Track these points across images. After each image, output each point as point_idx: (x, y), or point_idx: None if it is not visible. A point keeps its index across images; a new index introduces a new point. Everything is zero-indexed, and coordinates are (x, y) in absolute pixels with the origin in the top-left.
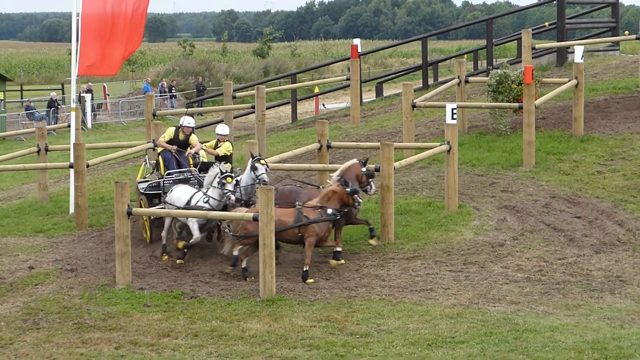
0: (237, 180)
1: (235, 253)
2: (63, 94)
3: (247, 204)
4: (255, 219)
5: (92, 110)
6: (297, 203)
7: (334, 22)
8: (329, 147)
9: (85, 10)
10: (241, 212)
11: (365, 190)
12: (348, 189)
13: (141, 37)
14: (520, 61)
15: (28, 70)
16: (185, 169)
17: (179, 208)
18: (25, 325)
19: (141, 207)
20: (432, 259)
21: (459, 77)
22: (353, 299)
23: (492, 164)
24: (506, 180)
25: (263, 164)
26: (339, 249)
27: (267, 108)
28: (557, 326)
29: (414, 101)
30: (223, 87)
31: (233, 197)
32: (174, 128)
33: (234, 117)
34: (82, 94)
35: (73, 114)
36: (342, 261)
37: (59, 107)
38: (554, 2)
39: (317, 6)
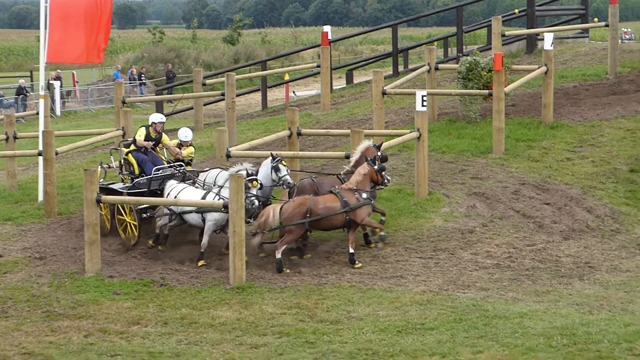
0: (261, 184)
1: (278, 256)
2: (32, 81)
3: (265, 205)
4: (225, 207)
5: (61, 97)
6: (333, 188)
7: (304, 9)
8: (299, 134)
9: None
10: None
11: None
12: (376, 167)
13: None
14: (490, 48)
15: None
16: (177, 164)
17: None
18: None
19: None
20: (402, 245)
21: (429, 64)
22: (323, 286)
23: (461, 151)
24: (476, 167)
25: (285, 165)
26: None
27: (237, 95)
28: (526, 312)
29: (384, 88)
30: (193, 74)
31: (257, 203)
32: (144, 127)
33: (204, 105)
34: (50, 82)
35: (42, 101)
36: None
37: (28, 94)
38: None
39: None
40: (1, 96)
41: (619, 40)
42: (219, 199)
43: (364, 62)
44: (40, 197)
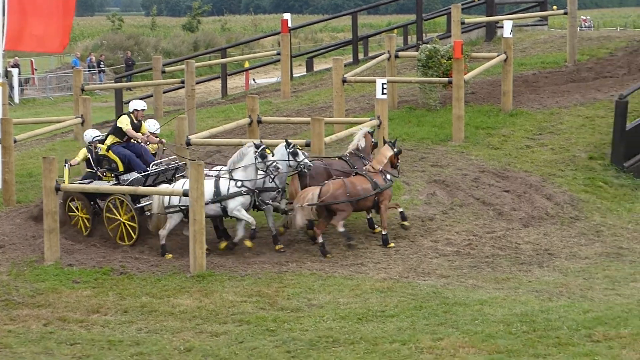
0: (278, 168)
1: (341, 229)
2: None
3: (283, 191)
4: (186, 195)
5: (20, 85)
6: (358, 169)
7: None
8: (259, 122)
9: None
10: (168, 189)
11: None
12: (395, 150)
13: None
14: (450, 36)
15: None
16: (172, 158)
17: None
18: None
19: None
20: (363, 233)
21: (389, 52)
22: (284, 274)
23: (421, 138)
24: (436, 154)
25: (301, 149)
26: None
27: (197, 83)
28: (486, 299)
29: (345, 76)
30: (152, 62)
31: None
32: (126, 115)
33: (164, 92)
34: (8, 69)
35: (0, 89)
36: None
37: None
38: None
39: None
40: None
41: (578, 28)
42: (240, 185)
43: (324, 50)
44: None
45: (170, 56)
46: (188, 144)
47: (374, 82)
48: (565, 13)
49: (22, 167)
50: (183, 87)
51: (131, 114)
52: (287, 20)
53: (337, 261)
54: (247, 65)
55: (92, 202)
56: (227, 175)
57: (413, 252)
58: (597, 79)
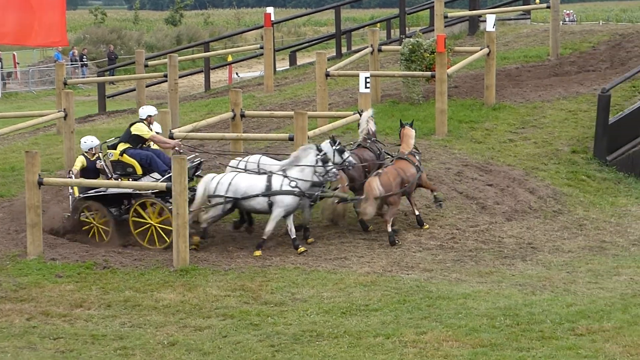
0: (337, 175)
1: (390, 229)
2: None
3: (323, 185)
4: (169, 189)
5: (2, 78)
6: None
7: None
8: (242, 116)
9: None
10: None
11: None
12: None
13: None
14: (433, 30)
15: None
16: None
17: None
18: None
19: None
20: (346, 227)
21: (372, 45)
22: (267, 268)
23: None
24: (419, 148)
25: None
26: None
27: (180, 77)
28: (469, 293)
29: (328, 70)
30: (135, 56)
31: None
32: (140, 122)
33: (146, 86)
34: None
35: None
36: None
37: None
38: None
39: None
40: None
41: (561, 22)
42: (289, 182)
43: (307, 44)
44: None
45: (153, 50)
46: (171, 137)
47: (357, 76)
48: (548, 7)
49: (4, 161)
50: (166, 81)
51: (144, 120)
52: (270, 14)
53: (320, 255)
54: (230, 59)
55: (108, 208)
56: (280, 172)
57: (396, 246)
58: (580, 72)
